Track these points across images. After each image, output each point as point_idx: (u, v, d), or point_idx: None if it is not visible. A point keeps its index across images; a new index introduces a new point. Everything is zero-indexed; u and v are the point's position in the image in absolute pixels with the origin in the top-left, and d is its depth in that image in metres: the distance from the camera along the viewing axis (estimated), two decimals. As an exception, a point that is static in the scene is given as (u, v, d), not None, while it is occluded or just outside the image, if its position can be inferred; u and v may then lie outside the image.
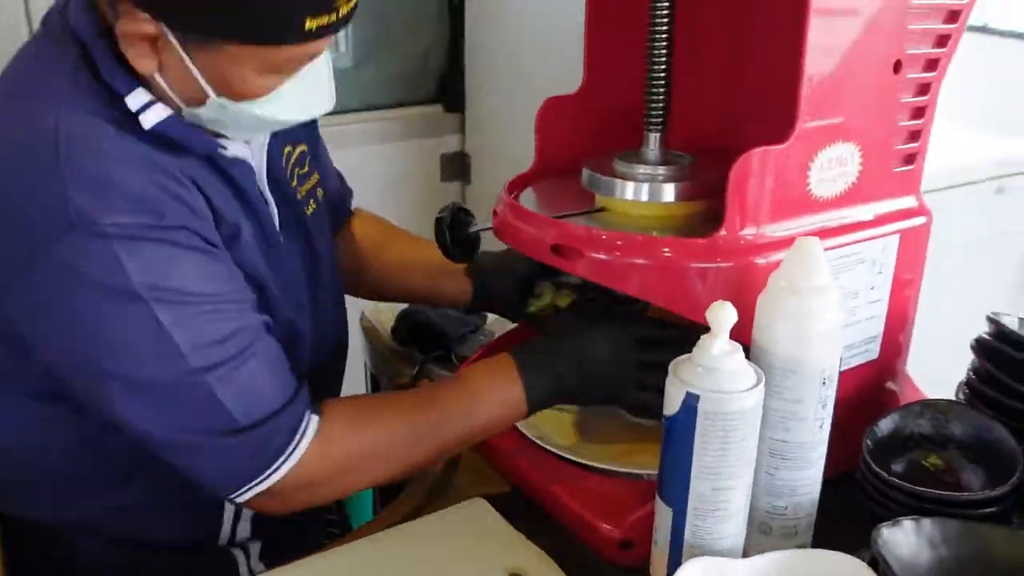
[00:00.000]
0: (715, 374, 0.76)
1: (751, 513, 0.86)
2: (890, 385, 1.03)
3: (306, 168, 1.07)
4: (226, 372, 0.83)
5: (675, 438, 0.78)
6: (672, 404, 0.78)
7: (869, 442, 0.92)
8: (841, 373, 0.84)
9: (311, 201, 1.07)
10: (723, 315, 0.76)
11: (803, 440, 0.83)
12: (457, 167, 2.26)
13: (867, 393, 0.99)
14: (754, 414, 0.77)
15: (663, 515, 0.82)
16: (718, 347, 0.76)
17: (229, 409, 0.83)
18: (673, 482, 0.80)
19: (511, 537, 0.92)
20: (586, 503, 0.94)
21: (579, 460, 0.98)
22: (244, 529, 1.05)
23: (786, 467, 0.84)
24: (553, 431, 1.04)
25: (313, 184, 1.08)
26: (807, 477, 0.85)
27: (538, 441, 1.01)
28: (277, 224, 0.98)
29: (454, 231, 1.01)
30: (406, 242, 1.24)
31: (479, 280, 1.16)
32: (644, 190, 0.92)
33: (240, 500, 0.87)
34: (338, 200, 1.21)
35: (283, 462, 0.86)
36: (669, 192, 0.92)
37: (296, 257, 1.02)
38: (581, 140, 1.02)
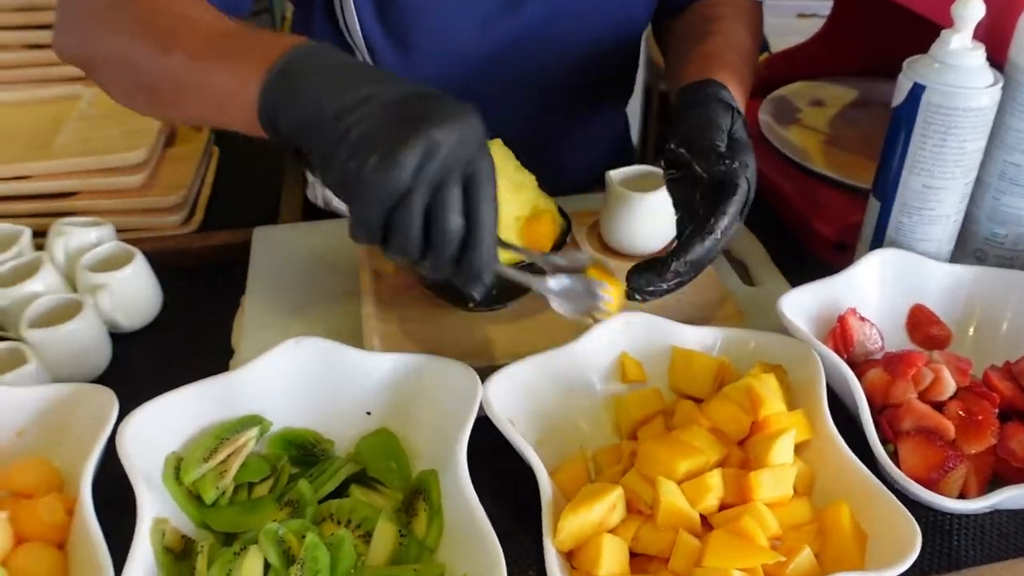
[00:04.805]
0: (947, 69, 0.76)
1: (968, 237, 0.87)
2: None
3: None
4: None
5: (895, 131, 0.80)
6: (900, 94, 0.79)
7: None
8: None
9: None
10: (969, 9, 0.74)
11: (1039, 167, 0.81)
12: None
13: None
14: (982, 116, 0.77)
15: (872, 210, 0.85)
16: (957, 41, 0.76)
17: None
18: (886, 175, 0.82)
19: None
20: (810, 206, 0.98)
21: (818, 169, 1.01)
22: None
23: (1016, 193, 0.82)
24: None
25: None
26: (1036, 209, 0.83)
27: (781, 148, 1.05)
28: None
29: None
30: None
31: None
32: None
33: None
34: None
35: None
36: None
37: None
38: None
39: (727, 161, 0.70)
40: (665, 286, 0.70)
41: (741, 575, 0.55)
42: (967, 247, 0.87)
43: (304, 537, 0.60)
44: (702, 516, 0.61)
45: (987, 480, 0.68)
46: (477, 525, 0.59)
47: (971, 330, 0.81)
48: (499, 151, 0.79)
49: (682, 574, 0.57)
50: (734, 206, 0.70)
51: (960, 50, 0.76)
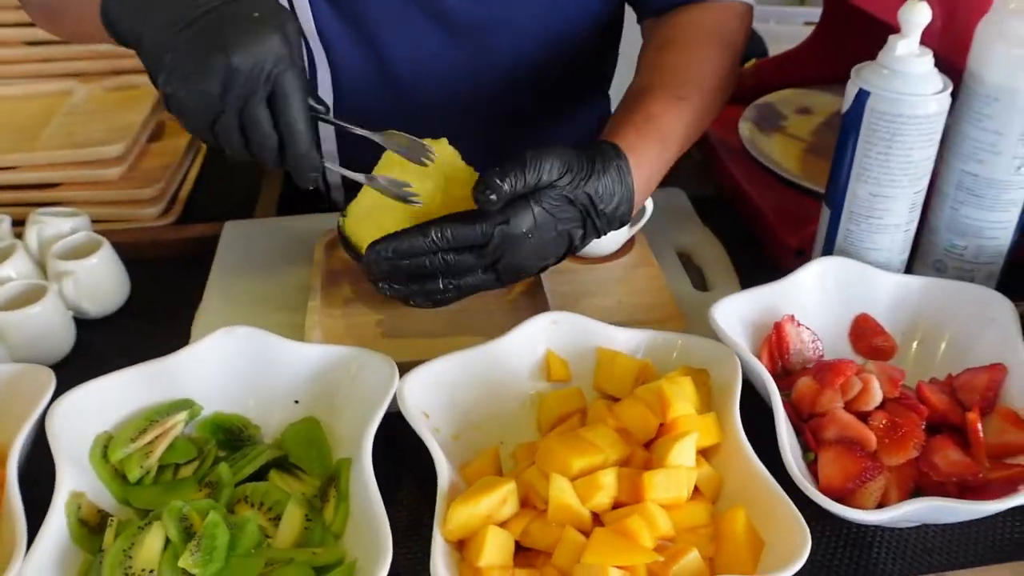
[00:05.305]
0: (893, 75, 0.75)
1: (928, 248, 0.85)
2: None
3: None
4: None
5: (844, 138, 0.79)
6: (847, 100, 0.78)
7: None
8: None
9: None
10: (916, 15, 0.73)
11: (996, 177, 0.79)
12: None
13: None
14: (928, 124, 0.75)
15: (823, 218, 0.84)
16: (904, 47, 0.75)
17: None
18: (836, 183, 0.81)
19: (691, 222, 0.99)
20: (777, 213, 0.97)
21: (792, 178, 1.00)
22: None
23: (973, 204, 0.81)
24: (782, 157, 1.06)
25: None
26: (995, 220, 0.81)
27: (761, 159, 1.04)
28: None
29: None
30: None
31: None
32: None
33: None
34: None
35: None
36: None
37: None
38: None
39: (487, 196, 0.68)
40: (374, 268, 0.72)
41: (620, 573, 0.55)
42: (927, 258, 0.86)
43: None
44: (596, 514, 0.61)
45: (908, 493, 0.66)
46: (374, 512, 0.60)
47: (916, 342, 0.79)
48: (444, 149, 0.80)
49: (564, 569, 0.57)
50: (460, 229, 0.69)
51: (907, 56, 0.75)
